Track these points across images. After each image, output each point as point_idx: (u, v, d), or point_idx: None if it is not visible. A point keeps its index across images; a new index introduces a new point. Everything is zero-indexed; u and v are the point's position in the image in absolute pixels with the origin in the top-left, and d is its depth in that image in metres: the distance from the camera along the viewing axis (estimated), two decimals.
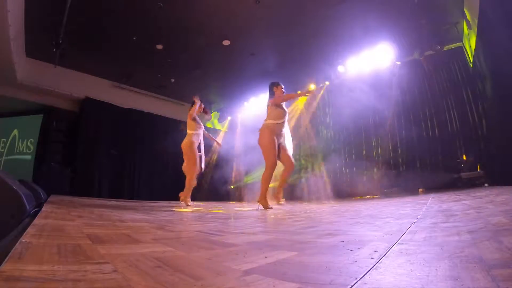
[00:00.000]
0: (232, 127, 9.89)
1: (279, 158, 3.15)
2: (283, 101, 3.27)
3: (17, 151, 6.88)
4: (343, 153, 7.47)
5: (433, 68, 6.15)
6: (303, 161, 7.78)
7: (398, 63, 6.39)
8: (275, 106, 3.24)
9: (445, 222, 1.12)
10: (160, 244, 0.83)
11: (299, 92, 3.95)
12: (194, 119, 4.18)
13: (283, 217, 1.99)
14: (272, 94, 3.39)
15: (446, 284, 0.42)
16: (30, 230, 0.94)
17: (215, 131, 9.37)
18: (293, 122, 8.08)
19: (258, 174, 8.81)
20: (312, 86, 7.37)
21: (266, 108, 3.33)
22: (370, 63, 6.60)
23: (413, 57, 6.29)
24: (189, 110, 4.23)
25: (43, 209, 1.86)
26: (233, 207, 3.74)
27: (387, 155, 6.67)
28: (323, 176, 7.26)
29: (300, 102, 8.18)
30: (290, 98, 3.60)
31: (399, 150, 6.52)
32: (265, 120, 3.22)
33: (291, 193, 6.89)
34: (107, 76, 7.32)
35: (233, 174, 9.33)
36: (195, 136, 4.11)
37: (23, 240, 0.74)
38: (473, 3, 4.23)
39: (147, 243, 0.86)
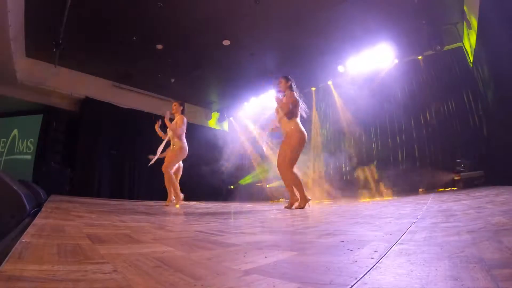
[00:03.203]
0: (232, 127, 9.89)
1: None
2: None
3: (17, 151, 6.89)
4: (343, 153, 7.46)
5: (433, 68, 6.15)
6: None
7: (396, 61, 6.38)
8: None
9: (445, 222, 1.12)
10: (160, 244, 0.83)
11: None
12: None
13: (283, 217, 1.99)
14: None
15: (446, 284, 0.42)
16: (30, 230, 0.94)
17: (215, 131, 9.38)
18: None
19: (255, 175, 8.84)
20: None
21: None
22: (370, 63, 6.60)
23: (413, 57, 6.30)
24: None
25: (43, 209, 1.86)
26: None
27: (387, 155, 6.66)
28: (322, 175, 7.26)
29: None
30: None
31: (399, 150, 6.52)
32: None
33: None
34: (107, 76, 7.32)
35: (232, 174, 9.33)
36: None
37: (23, 240, 0.74)
38: (473, 3, 4.23)
39: (147, 243, 0.86)
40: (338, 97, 7.46)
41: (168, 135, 4.18)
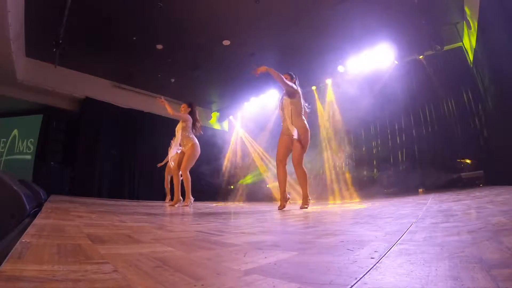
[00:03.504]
0: (232, 127, 9.89)
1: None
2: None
3: (17, 151, 6.89)
4: (343, 154, 7.46)
5: (433, 68, 6.15)
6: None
7: (396, 62, 6.39)
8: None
9: (445, 222, 1.12)
10: (160, 244, 0.83)
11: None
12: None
13: (283, 217, 1.99)
14: None
15: (446, 284, 0.42)
16: (30, 230, 0.94)
17: (215, 131, 9.38)
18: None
19: (255, 175, 8.84)
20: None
21: None
22: (370, 63, 6.60)
23: (413, 57, 6.29)
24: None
25: (43, 209, 1.86)
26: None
27: (387, 155, 6.66)
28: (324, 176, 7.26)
29: None
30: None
31: (399, 150, 6.52)
32: None
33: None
34: (107, 76, 7.33)
35: (232, 174, 9.33)
36: None
37: (23, 240, 0.74)
38: (473, 3, 4.23)
39: (147, 243, 0.86)
40: (338, 97, 7.46)
41: (176, 138, 4.15)
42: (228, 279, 0.49)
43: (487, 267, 0.48)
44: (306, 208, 2.82)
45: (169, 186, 5.36)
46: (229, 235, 1.07)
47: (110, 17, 5.02)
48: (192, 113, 4.23)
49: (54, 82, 6.51)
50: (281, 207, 2.89)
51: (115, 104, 7.43)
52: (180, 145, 4.17)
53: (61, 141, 6.81)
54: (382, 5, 4.78)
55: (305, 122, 3.09)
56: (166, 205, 4.08)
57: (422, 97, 6.29)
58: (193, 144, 4.06)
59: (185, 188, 3.95)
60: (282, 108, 3.18)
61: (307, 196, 2.91)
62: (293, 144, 3.02)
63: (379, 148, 6.87)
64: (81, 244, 0.76)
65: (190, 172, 4.06)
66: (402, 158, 6.44)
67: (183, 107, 4.26)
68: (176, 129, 4.20)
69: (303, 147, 2.99)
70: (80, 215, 1.71)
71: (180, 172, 4.05)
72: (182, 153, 4.13)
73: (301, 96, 3.19)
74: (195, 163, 4.17)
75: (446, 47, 5.74)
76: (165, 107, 4.01)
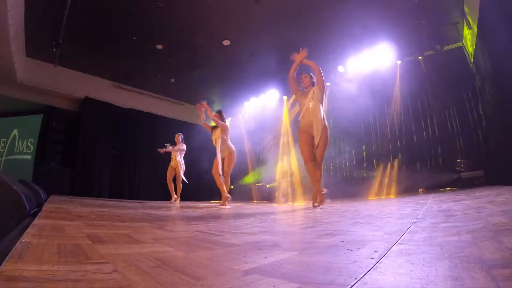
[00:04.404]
0: (232, 127, 9.88)
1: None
2: (295, 92, 3.30)
3: (17, 151, 6.88)
4: (343, 153, 7.46)
5: (433, 68, 6.14)
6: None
7: (399, 62, 6.38)
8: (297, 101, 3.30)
9: (445, 222, 1.12)
10: (160, 244, 0.83)
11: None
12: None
13: (283, 217, 1.99)
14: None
15: (446, 284, 0.42)
16: (30, 230, 0.94)
17: None
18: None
19: (255, 175, 8.82)
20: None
21: None
22: (370, 63, 6.59)
23: (413, 57, 6.30)
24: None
25: (43, 209, 1.86)
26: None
27: (387, 155, 6.66)
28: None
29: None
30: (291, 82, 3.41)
31: (399, 150, 6.52)
32: None
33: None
34: (107, 76, 7.32)
35: (233, 174, 9.31)
36: None
37: (23, 240, 0.74)
38: (473, 3, 4.23)
39: (147, 243, 0.86)
40: (337, 98, 7.45)
41: (217, 146, 4.38)
42: (228, 279, 0.49)
43: (487, 267, 0.48)
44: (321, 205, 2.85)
45: (172, 186, 5.40)
46: (229, 235, 1.07)
47: (110, 17, 5.02)
48: (224, 120, 4.51)
49: (54, 82, 6.50)
50: (318, 204, 2.86)
51: (115, 104, 7.43)
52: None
53: (61, 141, 6.80)
54: (382, 5, 4.78)
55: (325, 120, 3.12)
56: (170, 204, 4.20)
57: (422, 97, 6.29)
58: (232, 152, 4.44)
59: (225, 188, 4.31)
60: (304, 105, 3.19)
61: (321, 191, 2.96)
62: (317, 143, 3.02)
63: (379, 148, 6.87)
64: (81, 244, 0.76)
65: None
66: (402, 158, 6.44)
67: (217, 115, 4.47)
68: (214, 137, 4.42)
69: (326, 144, 3.03)
70: (80, 215, 1.71)
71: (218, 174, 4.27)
72: (222, 159, 4.41)
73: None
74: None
75: (446, 47, 5.74)
76: (204, 114, 4.44)
